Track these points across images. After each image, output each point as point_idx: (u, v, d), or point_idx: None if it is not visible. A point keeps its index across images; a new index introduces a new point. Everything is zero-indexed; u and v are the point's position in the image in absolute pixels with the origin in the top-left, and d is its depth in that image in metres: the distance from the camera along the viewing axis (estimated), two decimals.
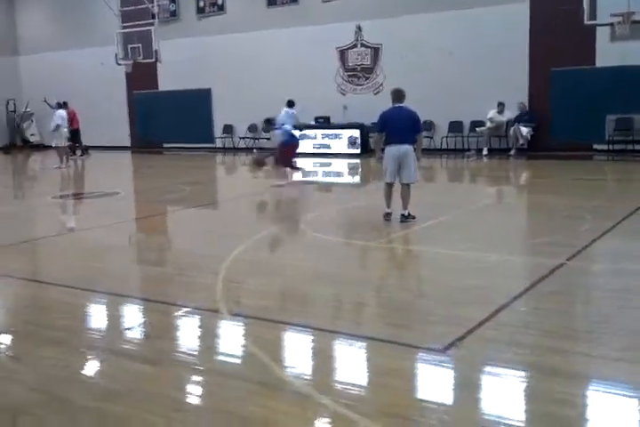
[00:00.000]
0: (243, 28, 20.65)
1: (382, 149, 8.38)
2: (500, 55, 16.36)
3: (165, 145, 23.06)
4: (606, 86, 15.20)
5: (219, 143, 22.00)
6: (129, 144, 24.03)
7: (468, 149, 17.01)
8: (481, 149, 16.51)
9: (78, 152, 20.12)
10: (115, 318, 5.30)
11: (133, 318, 5.26)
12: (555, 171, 13.57)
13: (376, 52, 18.69)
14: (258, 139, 20.96)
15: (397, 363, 4.16)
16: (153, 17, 20.18)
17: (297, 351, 4.43)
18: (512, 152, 16.07)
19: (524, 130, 15.94)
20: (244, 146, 21.01)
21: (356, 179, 15.25)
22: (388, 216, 8.31)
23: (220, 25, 21.24)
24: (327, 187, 13.96)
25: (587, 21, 13.84)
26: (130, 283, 6.30)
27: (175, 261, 6.93)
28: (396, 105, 8.32)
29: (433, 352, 4.21)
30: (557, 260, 6.28)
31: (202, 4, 21.73)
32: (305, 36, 19.41)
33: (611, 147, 15.44)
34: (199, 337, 4.76)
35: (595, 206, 9.31)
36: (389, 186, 8.39)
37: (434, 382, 3.92)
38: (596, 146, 15.81)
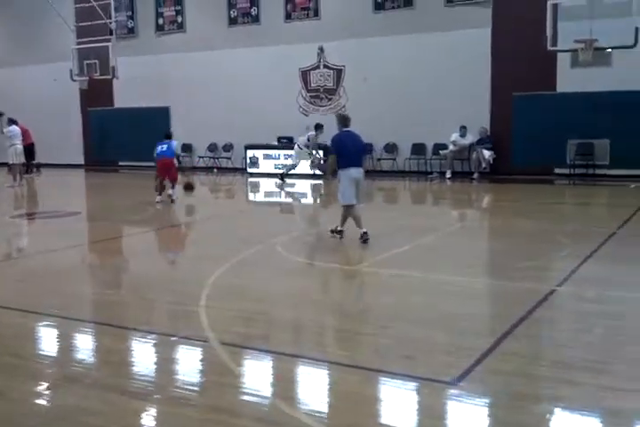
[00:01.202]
0: (203, 46, 20.41)
1: (334, 171, 8.51)
2: (462, 79, 16.51)
3: (121, 163, 22.51)
4: (567, 112, 15.46)
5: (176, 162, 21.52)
6: (82, 162, 23.37)
7: (431, 172, 17.05)
8: (444, 172, 16.56)
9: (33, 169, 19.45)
10: (98, 349, 4.94)
11: (118, 347, 4.91)
12: (521, 194, 13.65)
13: (339, 73, 18.67)
14: (218, 158, 20.66)
15: (409, 396, 3.95)
16: (110, 33, 19.75)
17: (304, 386, 4.17)
18: (475, 175, 16.16)
19: (487, 153, 16.07)
20: (204, 165, 20.66)
21: (324, 200, 15.02)
22: (365, 235, 8.23)
23: (180, 43, 20.95)
24: (295, 208, 13.75)
25: (549, 47, 14.05)
26: (109, 310, 5.92)
27: (153, 287, 6.58)
28: (345, 129, 8.50)
29: (444, 385, 4.01)
30: (547, 286, 6.20)
31: (161, 21, 21.42)
32: (267, 57, 19.28)
33: (572, 171, 15.68)
34: (193, 369, 4.44)
35: (569, 231, 9.32)
36: (352, 207, 8.42)
37: (448, 415, 3.72)
38: (557, 170, 16.03)
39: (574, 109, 15.42)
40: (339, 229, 8.51)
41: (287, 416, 3.63)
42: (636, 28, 12.42)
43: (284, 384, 4.17)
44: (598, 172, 15.60)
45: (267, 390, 4.07)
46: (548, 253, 7.95)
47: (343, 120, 8.56)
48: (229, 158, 20.42)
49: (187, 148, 21.39)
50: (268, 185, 17.20)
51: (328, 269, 7.41)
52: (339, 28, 18.16)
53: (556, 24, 13.89)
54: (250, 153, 19.12)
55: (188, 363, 4.55)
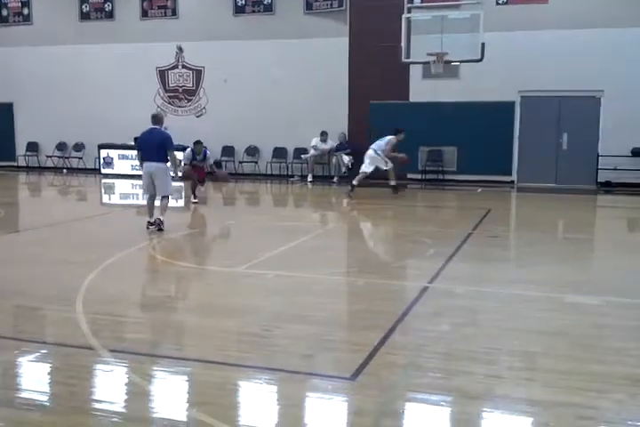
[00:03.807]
0: (52, 40, 19.36)
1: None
2: (322, 86, 16.92)
3: None
4: (419, 120, 16.28)
5: (22, 162, 20.27)
6: None
7: (292, 176, 17.31)
8: (305, 176, 16.88)
9: None
10: None
11: None
12: (379, 198, 14.18)
13: (198, 74, 18.45)
14: (68, 158, 19.64)
15: (308, 394, 4.02)
16: None
17: (199, 388, 4.11)
18: (335, 179, 16.63)
19: (346, 158, 16.59)
20: (52, 165, 19.58)
21: (183, 202, 14.76)
22: (149, 225, 9.25)
23: (26, 36, 19.71)
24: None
25: (403, 59, 14.73)
26: None
27: (22, 293, 6.16)
28: (151, 127, 9.47)
29: (342, 380, 4.13)
30: (420, 283, 6.55)
31: (5, 12, 20.04)
32: (122, 54, 18.65)
33: (424, 176, 16.58)
34: (85, 379, 4.24)
35: (430, 232, 9.86)
36: (150, 198, 9.48)
37: (350, 410, 3.84)
38: (410, 175, 16.85)
39: (425, 118, 16.30)
40: (148, 220, 9.32)
41: (192, 421, 3.58)
42: (482, 44, 13.36)
43: (187, 389, 4.11)
44: (447, 177, 16.62)
45: (172, 396, 3.98)
46: (415, 252, 8.38)
47: (152, 118, 9.59)
48: (81, 158, 19.51)
49: (33, 146, 20.22)
50: (124, 186, 16.63)
51: (209, 272, 7.33)
52: (198, 28, 17.97)
53: (409, 37, 14.60)
54: (104, 153, 18.39)
55: (80, 372, 4.34)
